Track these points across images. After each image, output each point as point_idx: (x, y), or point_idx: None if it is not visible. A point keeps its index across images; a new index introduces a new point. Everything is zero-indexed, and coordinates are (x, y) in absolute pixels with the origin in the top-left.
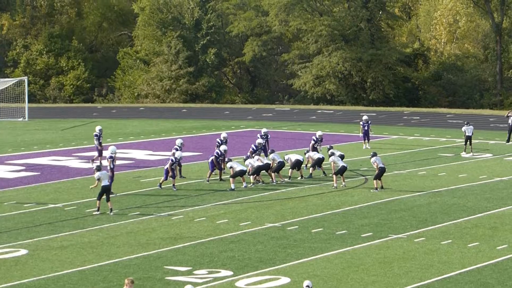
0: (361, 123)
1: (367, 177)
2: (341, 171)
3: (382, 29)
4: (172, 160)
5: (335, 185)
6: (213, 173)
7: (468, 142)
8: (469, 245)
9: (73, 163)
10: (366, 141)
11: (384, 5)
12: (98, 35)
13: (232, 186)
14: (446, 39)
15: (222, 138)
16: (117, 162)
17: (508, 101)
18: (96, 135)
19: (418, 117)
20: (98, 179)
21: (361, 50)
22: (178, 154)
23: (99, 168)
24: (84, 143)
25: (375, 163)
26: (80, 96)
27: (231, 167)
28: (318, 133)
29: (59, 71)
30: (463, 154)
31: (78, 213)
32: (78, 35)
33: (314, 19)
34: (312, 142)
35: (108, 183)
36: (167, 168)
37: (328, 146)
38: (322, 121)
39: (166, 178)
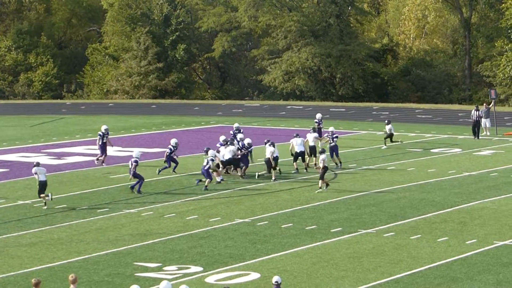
0: (315, 121)
1: (336, 172)
2: (296, 157)
3: (351, 25)
4: (170, 149)
5: (296, 168)
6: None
7: (389, 138)
8: (438, 240)
9: (42, 159)
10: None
11: (353, 1)
12: (67, 31)
13: (218, 179)
14: (415, 35)
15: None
16: (87, 159)
17: (476, 96)
18: (99, 134)
19: (387, 112)
20: (35, 174)
21: (330, 45)
22: (173, 141)
23: (37, 164)
24: (53, 140)
25: (322, 162)
26: (49, 92)
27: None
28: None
29: (27, 67)
30: (383, 147)
31: (47, 209)
32: (47, 31)
33: (283, 15)
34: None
35: (44, 179)
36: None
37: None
38: (292, 117)
39: (169, 165)
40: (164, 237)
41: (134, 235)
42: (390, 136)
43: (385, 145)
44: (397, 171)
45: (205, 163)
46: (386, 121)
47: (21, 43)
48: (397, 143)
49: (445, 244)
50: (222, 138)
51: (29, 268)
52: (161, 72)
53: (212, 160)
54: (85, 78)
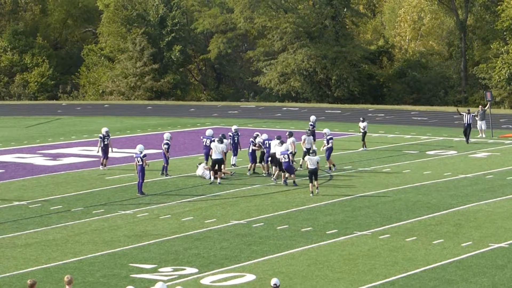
0: (310, 123)
1: (332, 174)
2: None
3: (347, 26)
4: (168, 144)
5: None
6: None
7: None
8: (433, 242)
9: (37, 160)
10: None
11: (349, 2)
12: (63, 32)
13: (212, 179)
14: (410, 36)
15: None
16: (82, 160)
17: (472, 98)
18: (100, 137)
19: (382, 114)
20: None
21: (326, 47)
22: (167, 136)
23: None
24: (49, 140)
25: (306, 162)
26: (44, 93)
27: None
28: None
29: (23, 68)
30: (364, 149)
31: (43, 210)
32: (42, 32)
33: (279, 16)
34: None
35: None
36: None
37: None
38: (287, 118)
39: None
40: (160, 239)
41: (130, 236)
42: (363, 134)
43: (365, 146)
44: (393, 173)
45: (286, 159)
46: (361, 118)
47: (16, 44)
48: (360, 148)
49: (441, 247)
50: (209, 132)
51: (24, 269)
52: (157, 73)
53: (291, 153)
54: (80, 79)
